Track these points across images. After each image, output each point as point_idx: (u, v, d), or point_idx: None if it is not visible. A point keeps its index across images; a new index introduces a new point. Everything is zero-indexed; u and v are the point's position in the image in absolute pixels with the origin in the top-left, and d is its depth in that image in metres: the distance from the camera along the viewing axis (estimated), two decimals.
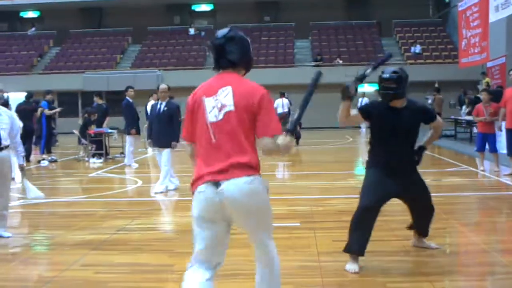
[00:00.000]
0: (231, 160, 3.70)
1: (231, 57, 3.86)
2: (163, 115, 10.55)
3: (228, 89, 3.77)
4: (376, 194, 5.52)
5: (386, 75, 5.65)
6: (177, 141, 10.49)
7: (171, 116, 10.59)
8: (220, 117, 3.74)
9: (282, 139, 3.69)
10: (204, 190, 3.73)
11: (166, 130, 10.51)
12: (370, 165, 5.79)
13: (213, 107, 3.77)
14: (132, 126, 15.56)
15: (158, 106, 10.66)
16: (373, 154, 5.77)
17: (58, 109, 18.40)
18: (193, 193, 3.84)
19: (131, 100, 15.72)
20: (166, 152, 10.65)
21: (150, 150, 19.18)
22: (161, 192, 10.64)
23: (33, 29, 40.63)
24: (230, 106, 3.73)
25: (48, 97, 17.82)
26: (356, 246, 5.52)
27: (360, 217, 5.53)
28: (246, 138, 3.74)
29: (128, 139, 15.66)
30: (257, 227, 3.93)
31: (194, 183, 3.82)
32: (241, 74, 3.94)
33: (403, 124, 5.59)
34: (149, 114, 12.03)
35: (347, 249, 5.60)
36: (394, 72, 5.67)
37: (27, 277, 5.74)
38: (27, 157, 15.72)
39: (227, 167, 3.69)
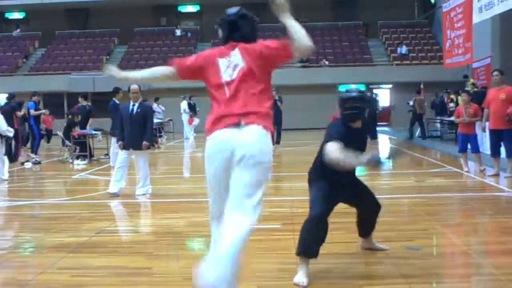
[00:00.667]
0: (249, 109, 4.11)
1: (244, 32, 4.43)
2: (136, 117, 10.46)
3: (236, 51, 4.29)
4: (326, 203, 5.44)
5: (351, 94, 5.53)
6: (150, 142, 10.47)
7: (145, 118, 10.50)
8: (234, 76, 4.21)
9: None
10: (223, 132, 4.08)
11: (139, 132, 10.41)
12: (316, 178, 5.67)
13: (227, 67, 4.27)
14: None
15: (131, 107, 10.54)
16: (320, 168, 5.59)
17: (43, 111, 18.34)
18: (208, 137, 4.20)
19: (117, 102, 15.65)
20: (142, 154, 10.58)
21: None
22: (143, 194, 10.56)
23: (18, 30, 40.38)
24: (241, 64, 4.22)
25: (35, 98, 17.78)
26: (307, 249, 5.34)
27: (313, 226, 5.38)
28: (260, 92, 4.20)
29: (114, 140, 15.61)
30: (250, 186, 4.02)
31: (212, 127, 4.16)
32: None
33: (360, 145, 5.52)
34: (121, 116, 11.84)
35: (299, 253, 5.40)
36: (359, 91, 5.59)
37: (2, 281, 5.65)
38: (15, 157, 15.67)
39: (245, 114, 4.09)
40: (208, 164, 4.24)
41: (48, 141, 21.95)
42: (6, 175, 13.31)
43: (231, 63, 4.27)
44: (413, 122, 23.05)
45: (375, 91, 32.32)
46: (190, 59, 4.54)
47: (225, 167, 4.10)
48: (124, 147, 10.49)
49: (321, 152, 5.50)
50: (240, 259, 3.96)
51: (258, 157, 4.02)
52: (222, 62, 4.30)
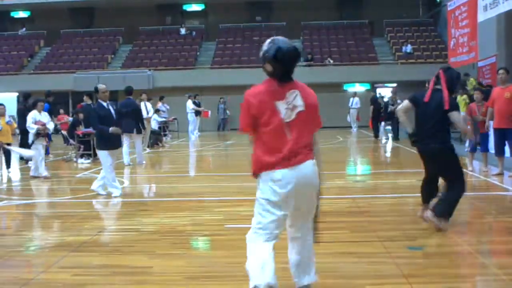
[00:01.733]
0: (302, 149, 4.42)
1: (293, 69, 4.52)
2: (116, 116, 10.63)
3: (296, 93, 4.44)
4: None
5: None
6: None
7: (120, 116, 10.86)
8: (293, 116, 4.39)
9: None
10: (280, 177, 4.35)
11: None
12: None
13: (286, 109, 4.39)
14: (132, 126, 15.70)
15: (107, 107, 10.52)
16: (449, 137, 7.11)
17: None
18: (257, 176, 4.48)
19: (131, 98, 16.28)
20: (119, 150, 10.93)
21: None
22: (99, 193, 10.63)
23: (23, 29, 40.46)
24: (301, 107, 4.42)
25: (49, 99, 17.94)
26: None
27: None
28: (310, 131, 4.55)
29: (125, 138, 15.83)
30: (309, 212, 4.63)
31: (264, 169, 4.40)
32: None
33: None
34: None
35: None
36: None
37: (3, 280, 5.64)
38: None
39: (299, 154, 4.40)
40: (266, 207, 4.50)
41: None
42: (44, 172, 13.38)
43: (290, 105, 4.43)
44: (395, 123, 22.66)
45: (379, 90, 32.37)
46: (247, 115, 4.47)
47: None
48: (109, 146, 10.50)
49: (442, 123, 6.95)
50: None
51: (314, 188, 4.62)
52: (281, 105, 4.40)
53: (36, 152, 13.21)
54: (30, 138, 13.65)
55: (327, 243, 6.56)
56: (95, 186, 10.63)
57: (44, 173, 13.30)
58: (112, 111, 10.53)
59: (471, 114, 12.42)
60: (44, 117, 13.78)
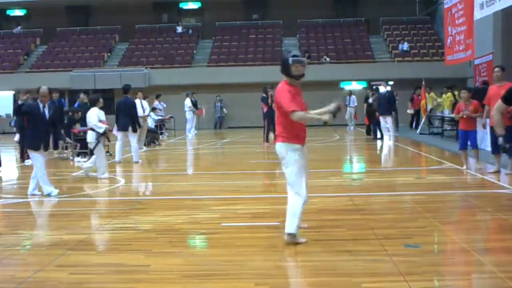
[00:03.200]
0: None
1: None
2: (49, 119, 10.52)
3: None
4: None
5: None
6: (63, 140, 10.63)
7: (54, 120, 10.72)
8: None
9: None
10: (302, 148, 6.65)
11: (49, 134, 10.64)
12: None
13: None
14: (128, 124, 15.86)
15: (42, 109, 10.40)
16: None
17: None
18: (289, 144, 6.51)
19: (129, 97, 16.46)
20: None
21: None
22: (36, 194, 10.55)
23: (19, 27, 40.36)
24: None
25: (55, 96, 17.92)
26: None
27: None
28: None
29: (120, 136, 15.87)
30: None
31: (296, 140, 6.59)
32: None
33: None
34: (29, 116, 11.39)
35: None
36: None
37: (0, 278, 5.64)
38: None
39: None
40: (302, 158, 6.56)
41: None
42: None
43: None
44: (375, 122, 22.60)
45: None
46: (293, 98, 6.35)
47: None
48: (39, 148, 10.44)
49: None
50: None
51: None
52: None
53: (101, 153, 12.88)
54: (92, 137, 13.02)
55: (324, 241, 6.58)
56: (30, 189, 10.55)
57: (106, 174, 12.79)
58: (46, 114, 10.41)
59: (458, 113, 12.46)
60: (102, 115, 13.20)
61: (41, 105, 10.41)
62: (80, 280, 5.44)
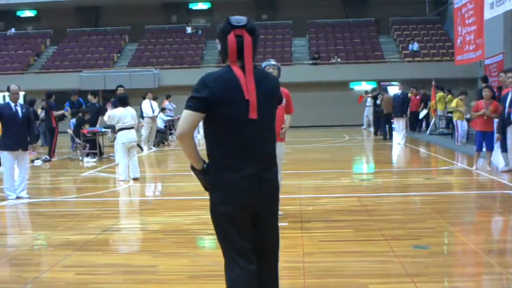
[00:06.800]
0: None
1: None
2: (23, 118, 10.37)
3: None
4: None
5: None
6: (36, 142, 10.48)
7: (29, 119, 10.57)
8: None
9: None
10: None
11: (26, 133, 10.43)
12: None
13: None
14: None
15: (14, 109, 10.32)
16: None
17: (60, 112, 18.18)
18: None
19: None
20: (26, 154, 10.59)
21: (145, 149, 19.17)
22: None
23: (30, 28, 40.54)
24: None
25: (74, 97, 17.98)
26: None
27: None
28: None
29: None
30: None
31: None
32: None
33: None
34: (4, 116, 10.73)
35: None
36: None
37: (7, 278, 5.65)
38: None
39: None
40: None
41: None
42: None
43: None
44: (383, 122, 22.55)
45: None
46: None
47: None
48: (12, 148, 10.28)
49: None
50: None
51: None
52: None
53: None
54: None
55: (332, 241, 6.56)
56: (17, 191, 10.44)
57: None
58: (20, 113, 10.32)
59: (477, 111, 12.32)
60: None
61: (12, 105, 10.35)
62: (87, 281, 5.44)
